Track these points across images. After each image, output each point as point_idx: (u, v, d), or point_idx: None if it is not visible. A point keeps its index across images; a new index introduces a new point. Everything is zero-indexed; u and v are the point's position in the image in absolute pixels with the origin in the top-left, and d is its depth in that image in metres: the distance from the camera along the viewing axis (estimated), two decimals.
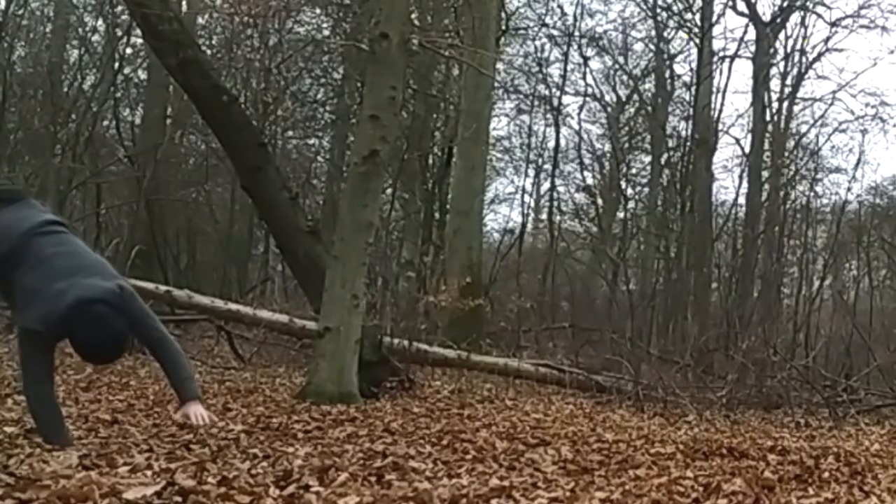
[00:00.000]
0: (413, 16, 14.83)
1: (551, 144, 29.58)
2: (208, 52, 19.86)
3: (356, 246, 9.87)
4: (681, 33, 29.86)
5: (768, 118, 27.67)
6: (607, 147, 32.27)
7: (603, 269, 27.33)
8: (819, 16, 27.43)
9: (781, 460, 7.09)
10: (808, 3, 27.07)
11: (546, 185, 31.78)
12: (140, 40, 20.05)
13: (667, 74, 31.14)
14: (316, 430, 7.22)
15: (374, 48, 10.22)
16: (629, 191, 32.20)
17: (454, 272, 18.52)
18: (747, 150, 27.33)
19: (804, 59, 28.05)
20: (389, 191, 22.67)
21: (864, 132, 28.34)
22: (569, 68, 29.52)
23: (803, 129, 29.00)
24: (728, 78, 30.36)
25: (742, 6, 27.31)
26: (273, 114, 22.26)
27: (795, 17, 27.64)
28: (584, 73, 30.59)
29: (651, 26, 30.37)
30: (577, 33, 28.81)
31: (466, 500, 4.81)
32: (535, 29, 28.59)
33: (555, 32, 28.71)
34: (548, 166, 30.45)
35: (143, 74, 24.27)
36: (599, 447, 7.36)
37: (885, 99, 32.15)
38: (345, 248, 9.86)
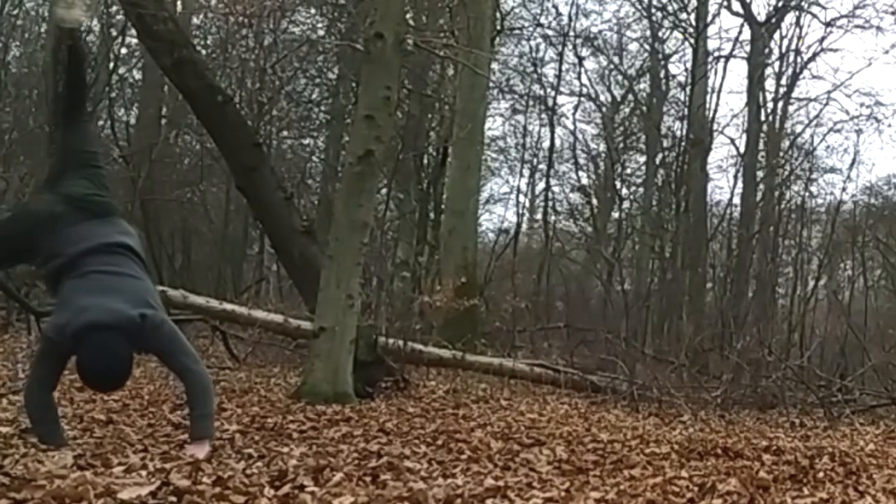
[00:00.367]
0: (408, 16, 14.86)
1: (546, 144, 29.64)
2: (203, 52, 19.83)
3: (351, 246, 9.86)
4: (676, 33, 29.94)
5: (763, 118, 27.67)
6: (602, 147, 32.34)
7: (598, 269, 27.34)
8: (814, 16, 27.44)
9: (776, 460, 7.10)
10: (803, 3, 27.08)
11: (541, 185, 31.78)
12: (135, 40, 20.08)
13: (662, 74, 31.17)
14: (311, 430, 7.22)
15: (368, 48, 10.21)
16: (624, 191, 32.21)
17: (449, 272, 18.52)
18: (742, 150, 27.35)
19: (799, 59, 28.06)
20: (384, 191, 22.69)
21: (858, 132, 28.29)
22: (564, 68, 29.61)
23: (798, 129, 29.04)
24: (723, 78, 30.60)
25: (737, 6, 27.33)
26: (268, 114, 22.26)
27: (790, 17, 27.68)
28: (579, 73, 30.59)
29: (646, 26, 30.41)
30: (571, 33, 28.83)
31: (461, 500, 4.81)
32: (530, 29, 28.62)
33: (550, 32, 28.75)
34: (543, 166, 30.45)
35: (137, 74, 24.30)
36: (594, 447, 7.36)
37: (880, 99, 32.43)
38: (340, 248, 9.86)
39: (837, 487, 5.99)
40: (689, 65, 27.21)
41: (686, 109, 26.94)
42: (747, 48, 27.19)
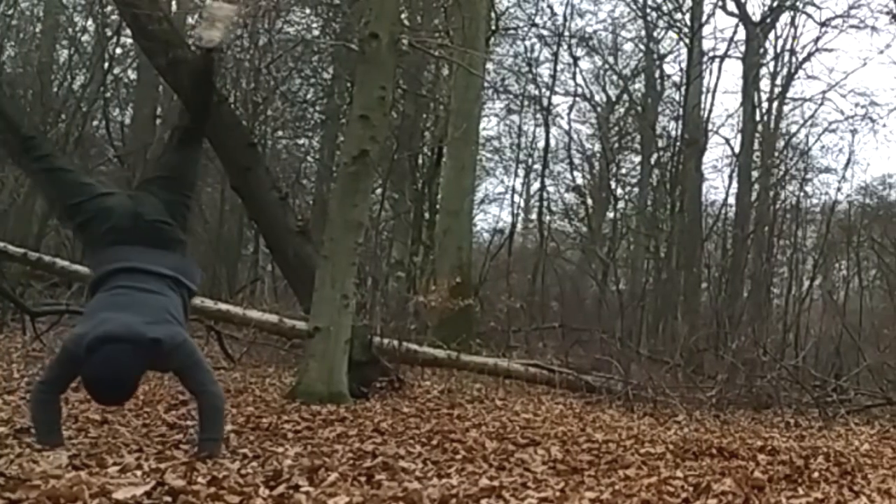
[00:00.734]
0: (403, 16, 14.84)
1: (541, 144, 29.64)
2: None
3: (346, 246, 9.86)
4: (670, 33, 29.96)
5: (758, 118, 27.69)
6: (597, 147, 32.34)
7: (593, 269, 27.36)
8: (809, 16, 27.50)
9: (771, 460, 7.10)
10: (797, 3, 27.10)
11: (536, 185, 31.85)
12: (130, 40, 20.12)
13: (656, 74, 31.21)
14: (306, 430, 7.22)
15: (363, 48, 10.21)
16: (619, 191, 32.28)
17: (444, 272, 18.52)
18: (737, 150, 27.37)
19: (794, 59, 28.12)
20: (379, 191, 22.65)
21: (853, 132, 28.44)
22: (558, 68, 29.64)
23: (793, 129, 29.06)
24: (718, 78, 30.44)
25: (732, 6, 27.39)
26: (263, 114, 22.24)
27: (785, 17, 27.71)
28: (574, 73, 30.68)
29: (641, 26, 30.46)
30: (566, 33, 28.86)
31: (456, 500, 4.81)
32: (525, 29, 28.64)
33: (544, 32, 28.76)
34: (537, 166, 30.49)
35: (132, 74, 24.32)
36: (589, 447, 7.37)
37: (875, 99, 32.32)
38: (334, 248, 9.86)
39: (832, 487, 5.99)
40: (683, 65, 27.23)
41: (681, 109, 26.97)
42: (742, 48, 27.25)
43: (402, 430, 7.62)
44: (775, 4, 26.94)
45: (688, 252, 24.29)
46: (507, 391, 13.08)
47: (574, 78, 30.76)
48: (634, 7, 29.63)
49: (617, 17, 31.03)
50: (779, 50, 28.13)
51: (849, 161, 31.92)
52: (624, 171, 32.94)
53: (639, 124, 30.96)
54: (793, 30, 27.80)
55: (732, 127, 29.45)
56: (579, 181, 33.07)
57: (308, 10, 23.45)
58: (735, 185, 26.69)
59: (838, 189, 29.10)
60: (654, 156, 29.29)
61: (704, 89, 26.76)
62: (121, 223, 6.08)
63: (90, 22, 23.19)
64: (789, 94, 28.67)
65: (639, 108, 31.30)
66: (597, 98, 32.47)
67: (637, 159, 32.31)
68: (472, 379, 13.52)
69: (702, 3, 26.72)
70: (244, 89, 21.43)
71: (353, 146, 10.06)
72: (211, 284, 21.23)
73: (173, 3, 22.01)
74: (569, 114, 31.76)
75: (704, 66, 26.88)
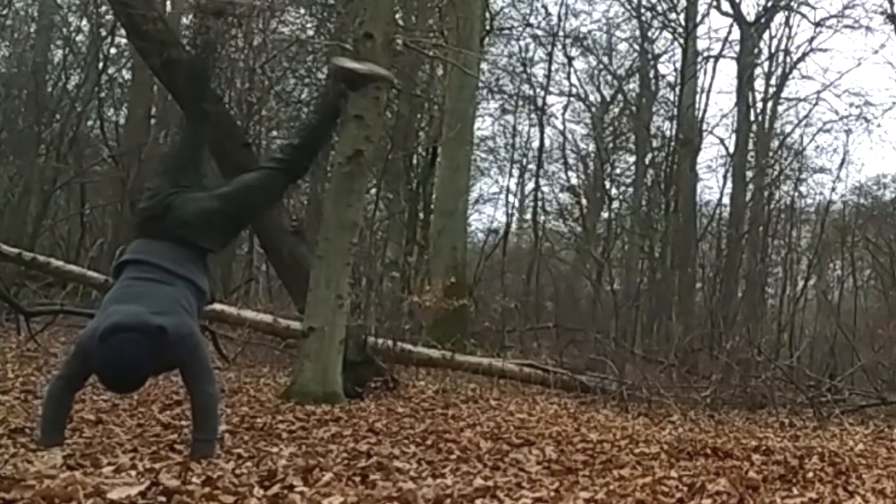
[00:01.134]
0: (397, 16, 14.85)
1: (535, 144, 29.65)
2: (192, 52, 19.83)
3: (340, 246, 9.85)
4: (665, 33, 30.04)
5: (752, 118, 27.75)
6: (592, 147, 32.38)
7: (587, 269, 27.36)
8: (803, 16, 27.54)
9: (766, 460, 7.10)
10: (792, 3, 27.16)
11: (530, 185, 31.82)
12: (124, 40, 20.11)
13: (651, 74, 31.24)
14: (300, 430, 7.21)
15: (358, 48, 10.20)
16: (613, 191, 32.25)
17: (438, 272, 18.53)
18: (731, 150, 27.43)
19: (788, 59, 28.17)
20: (374, 191, 22.66)
21: (848, 132, 28.35)
22: (553, 68, 29.63)
23: (787, 129, 29.12)
24: (712, 78, 30.47)
25: (726, 6, 27.43)
26: (257, 114, 22.25)
27: (780, 17, 27.80)
28: (569, 73, 30.63)
29: (635, 26, 30.49)
30: (561, 33, 28.83)
31: (451, 500, 4.81)
32: (520, 29, 28.62)
33: (539, 32, 28.75)
34: (532, 166, 30.46)
35: (127, 74, 24.31)
36: (584, 447, 7.37)
37: (870, 99, 32.52)
38: (329, 248, 9.85)
39: (827, 487, 5.99)
40: (678, 65, 27.31)
41: (675, 109, 27.02)
42: (737, 48, 27.31)
43: (396, 430, 7.61)
44: (770, 4, 27.01)
45: (682, 252, 24.34)
46: (502, 391, 13.09)
47: (568, 78, 30.76)
48: (629, 7, 29.69)
49: (611, 17, 31.20)
50: (773, 50, 28.22)
51: (843, 161, 31.94)
52: (618, 171, 32.95)
53: (633, 124, 30.98)
54: (787, 30, 27.92)
55: (727, 127, 29.43)
56: (574, 181, 33.10)
57: (303, 10, 23.43)
58: (729, 185, 26.80)
59: (833, 189, 29.12)
60: (649, 156, 29.37)
61: (699, 89, 26.88)
62: (153, 212, 6.26)
63: (85, 22, 23.20)
64: (784, 94, 28.76)
65: (633, 109, 31.30)
66: (591, 98, 32.49)
67: (631, 159, 32.32)
68: (467, 379, 13.52)
69: (696, 3, 26.80)
70: (238, 89, 21.41)
71: (347, 146, 10.05)
72: None
73: (168, 3, 22.02)
74: (563, 114, 31.77)
75: (699, 66, 26.99)
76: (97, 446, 5.70)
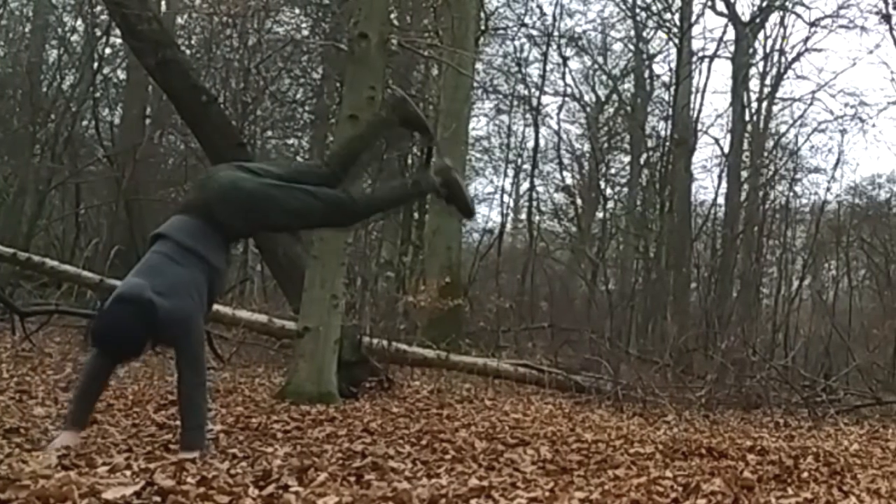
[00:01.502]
0: (392, 16, 14.85)
1: (530, 144, 29.72)
2: (187, 52, 19.84)
3: (335, 246, 9.84)
4: (660, 33, 30.07)
5: (747, 118, 27.76)
6: (586, 147, 32.39)
7: (582, 269, 27.40)
8: (798, 16, 27.62)
9: (761, 460, 7.10)
10: (787, 3, 27.19)
11: (525, 185, 31.88)
12: (119, 40, 20.10)
13: (646, 74, 31.28)
14: (295, 430, 7.21)
15: (353, 48, 10.19)
16: (608, 191, 32.33)
17: (433, 272, 18.55)
18: (726, 150, 27.48)
19: (783, 59, 28.23)
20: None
21: (843, 132, 28.54)
22: (548, 68, 29.70)
23: (782, 129, 29.18)
24: (707, 78, 30.61)
25: (721, 6, 27.47)
26: (252, 114, 22.23)
27: (775, 17, 27.84)
28: (564, 73, 30.72)
29: (630, 26, 30.53)
30: (556, 33, 28.93)
31: (445, 500, 4.80)
32: (515, 29, 28.68)
33: (534, 32, 28.80)
34: (527, 166, 30.52)
35: (122, 74, 24.30)
36: (579, 447, 7.36)
37: (865, 99, 32.54)
38: (324, 248, 9.84)
39: (822, 487, 5.99)
40: (673, 65, 27.34)
41: (670, 109, 27.07)
42: (731, 48, 27.34)
43: (391, 430, 7.60)
44: (765, 4, 27.03)
45: (677, 252, 24.35)
46: (497, 391, 13.08)
47: (563, 78, 30.85)
48: (624, 7, 29.73)
49: (606, 17, 31.20)
50: (768, 50, 28.29)
51: (838, 161, 31.98)
52: (613, 171, 33.02)
53: (628, 124, 31.01)
54: (782, 30, 27.99)
55: (722, 127, 29.60)
56: (569, 181, 33.14)
57: (297, 10, 23.47)
58: (724, 185, 26.81)
59: (828, 189, 29.22)
60: (644, 156, 29.35)
61: (694, 89, 26.89)
62: (191, 193, 6.43)
63: (79, 22, 23.18)
64: (779, 94, 28.82)
65: (628, 108, 31.35)
66: (586, 98, 32.56)
67: (626, 159, 32.36)
68: (462, 379, 13.52)
69: (691, 3, 26.81)
70: (234, 89, 21.42)
71: None
72: None
73: (163, 3, 22.02)
74: (558, 114, 31.87)
75: (694, 66, 26.99)
76: (92, 446, 5.68)
